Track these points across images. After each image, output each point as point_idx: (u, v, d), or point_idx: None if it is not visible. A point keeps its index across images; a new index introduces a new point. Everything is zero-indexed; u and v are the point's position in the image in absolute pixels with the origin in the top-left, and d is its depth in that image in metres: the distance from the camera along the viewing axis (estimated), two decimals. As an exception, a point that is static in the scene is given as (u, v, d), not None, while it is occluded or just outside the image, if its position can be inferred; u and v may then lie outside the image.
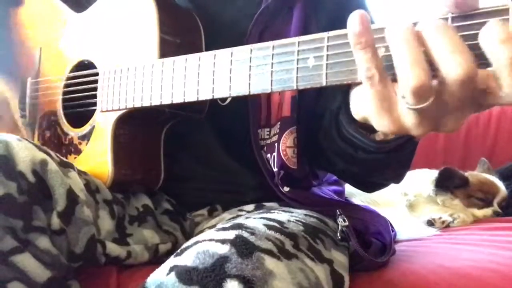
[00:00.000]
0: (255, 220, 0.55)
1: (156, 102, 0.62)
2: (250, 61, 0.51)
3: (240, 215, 0.71)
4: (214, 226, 0.67)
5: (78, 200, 0.61)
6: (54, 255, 0.58)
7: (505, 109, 1.76)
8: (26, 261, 0.55)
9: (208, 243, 0.48)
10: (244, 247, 0.47)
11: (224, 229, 0.51)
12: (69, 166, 0.64)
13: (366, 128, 0.53)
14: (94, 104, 0.73)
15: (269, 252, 0.48)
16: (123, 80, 0.67)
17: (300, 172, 0.69)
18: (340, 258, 0.60)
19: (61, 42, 0.83)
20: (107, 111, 0.70)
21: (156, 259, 0.70)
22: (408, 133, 0.42)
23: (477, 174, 1.48)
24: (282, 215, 0.61)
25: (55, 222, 0.58)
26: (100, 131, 0.73)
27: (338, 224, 0.64)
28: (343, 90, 0.51)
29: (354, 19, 0.39)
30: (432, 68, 0.38)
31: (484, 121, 1.76)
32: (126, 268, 0.70)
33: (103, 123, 0.72)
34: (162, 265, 0.48)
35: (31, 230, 0.56)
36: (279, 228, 0.54)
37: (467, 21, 0.38)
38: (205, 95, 0.56)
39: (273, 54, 0.49)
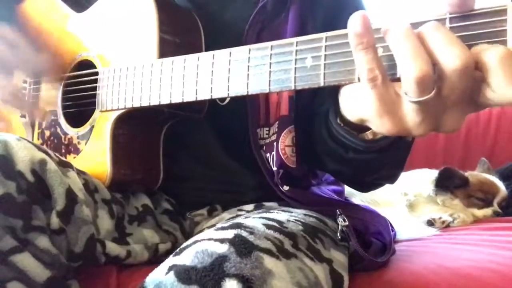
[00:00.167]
0: (254, 220, 0.55)
1: (155, 102, 0.62)
2: (249, 61, 0.51)
3: (240, 215, 0.71)
4: (213, 225, 0.67)
5: (77, 200, 0.61)
6: (54, 255, 0.58)
7: (505, 109, 1.76)
8: (25, 260, 0.55)
9: (207, 243, 0.48)
10: (243, 246, 0.47)
11: (223, 228, 0.51)
12: (68, 165, 0.64)
13: (355, 127, 0.53)
14: (94, 103, 0.73)
15: (268, 252, 0.48)
16: (122, 80, 0.67)
17: (299, 171, 0.69)
18: (339, 258, 0.60)
19: (61, 41, 0.83)
20: (106, 110, 0.70)
21: (156, 259, 0.70)
22: (408, 134, 0.42)
23: (477, 174, 1.48)
24: (281, 214, 0.61)
25: (55, 221, 0.58)
26: (99, 131, 0.73)
27: (338, 224, 0.64)
28: (332, 90, 0.51)
29: (355, 19, 0.40)
30: (432, 63, 0.38)
31: (484, 121, 1.76)
32: (125, 268, 0.70)
33: (102, 123, 0.72)
34: (161, 264, 0.48)
35: (31, 230, 0.56)
36: (278, 228, 0.54)
37: (465, 21, 0.39)
38: (204, 95, 0.56)
39: (271, 54, 0.49)
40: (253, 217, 0.58)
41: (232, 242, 0.47)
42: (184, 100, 0.59)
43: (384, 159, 0.58)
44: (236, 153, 0.76)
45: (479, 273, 0.67)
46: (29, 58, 0.72)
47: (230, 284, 0.43)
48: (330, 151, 0.61)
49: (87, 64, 0.78)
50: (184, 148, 0.78)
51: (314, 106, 0.68)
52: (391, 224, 0.78)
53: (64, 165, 0.63)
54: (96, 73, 0.74)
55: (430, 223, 1.22)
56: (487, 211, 1.34)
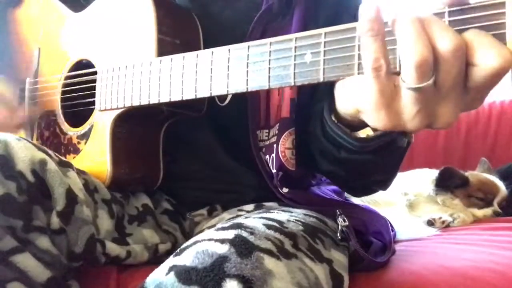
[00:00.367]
0: (254, 220, 0.55)
1: (154, 100, 0.62)
2: (248, 58, 0.51)
3: (240, 215, 0.71)
4: (213, 226, 0.67)
5: (77, 200, 0.61)
6: (54, 255, 0.58)
7: (505, 109, 1.77)
8: (26, 261, 0.55)
9: (207, 243, 0.47)
10: (243, 246, 0.47)
11: (223, 228, 0.51)
12: (68, 165, 0.64)
13: (348, 125, 0.54)
14: (93, 103, 0.73)
15: (268, 252, 0.48)
16: (121, 78, 0.67)
17: (298, 172, 0.69)
18: (339, 258, 0.60)
19: (60, 41, 0.83)
20: (105, 110, 0.70)
21: (156, 259, 0.70)
22: (403, 127, 0.42)
23: (477, 174, 1.48)
24: (281, 215, 0.61)
25: (55, 221, 0.58)
26: (98, 130, 0.73)
27: (338, 224, 0.64)
28: (329, 88, 0.51)
29: (369, 6, 0.40)
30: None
31: (484, 121, 1.76)
32: (126, 268, 0.70)
33: (101, 122, 0.72)
34: (161, 265, 0.48)
35: (31, 230, 0.56)
36: (279, 228, 0.54)
37: (464, 15, 0.39)
38: (203, 93, 0.56)
39: (270, 51, 0.49)
40: (253, 217, 0.58)
41: (233, 242, 0.47)
42: (184, 98, 0.58)
43: (376, 162, 0.58)
44: (236, 153, 0.76)
45: (479, 273, 0.67)
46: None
47: (230, 284, 0.43)
48: (323, 150, 0.61)
49: (85, 64, 0.78)
50: (184, 148, 0.78)
51: (311, 105, 0.68)
52: (391, 224, 0.78)
53: (64, 165, 0.62)
54: (95, 73, 0.74)
55: (430, 223, 1.22)
56: (487, 211, 1.34)
